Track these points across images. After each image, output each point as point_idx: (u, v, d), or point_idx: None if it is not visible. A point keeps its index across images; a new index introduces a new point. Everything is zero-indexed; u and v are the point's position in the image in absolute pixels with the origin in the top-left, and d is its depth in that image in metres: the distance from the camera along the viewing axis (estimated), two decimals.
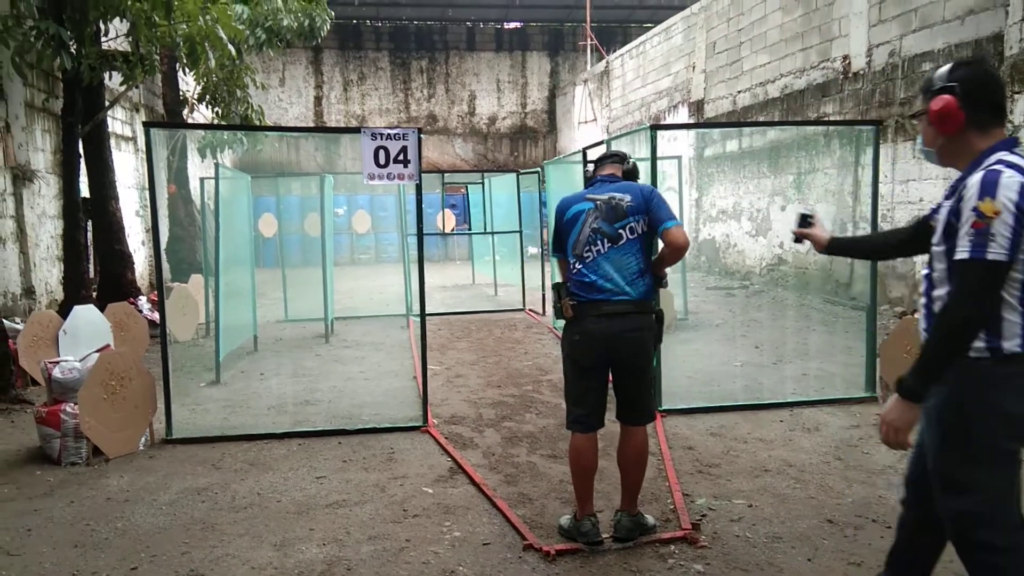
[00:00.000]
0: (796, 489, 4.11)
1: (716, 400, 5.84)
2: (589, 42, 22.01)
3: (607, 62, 20.08)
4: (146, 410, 4.95)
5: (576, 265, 3.40)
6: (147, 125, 4.95)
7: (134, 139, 12.63)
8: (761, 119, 12.82)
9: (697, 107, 15.23)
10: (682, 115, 15.82)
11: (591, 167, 3.73)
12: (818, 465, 4.47)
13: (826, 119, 11.02)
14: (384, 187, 18.93)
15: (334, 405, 6.00)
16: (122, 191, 11.94)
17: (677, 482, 4.16)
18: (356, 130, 5.04)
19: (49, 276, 8.69)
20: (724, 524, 3.67)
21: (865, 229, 10.26)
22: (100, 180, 9.46)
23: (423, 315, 5.51)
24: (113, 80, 9.75)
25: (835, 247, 2.88)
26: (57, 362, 4.81)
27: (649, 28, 18.46)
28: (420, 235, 5.28)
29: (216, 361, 6.91)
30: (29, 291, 8.16)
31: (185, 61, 8.72)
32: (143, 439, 4.96)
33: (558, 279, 3.62)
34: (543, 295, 10.69)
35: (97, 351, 4.99)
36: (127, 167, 12.23)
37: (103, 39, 9.01)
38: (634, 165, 3.66)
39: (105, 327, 7.08)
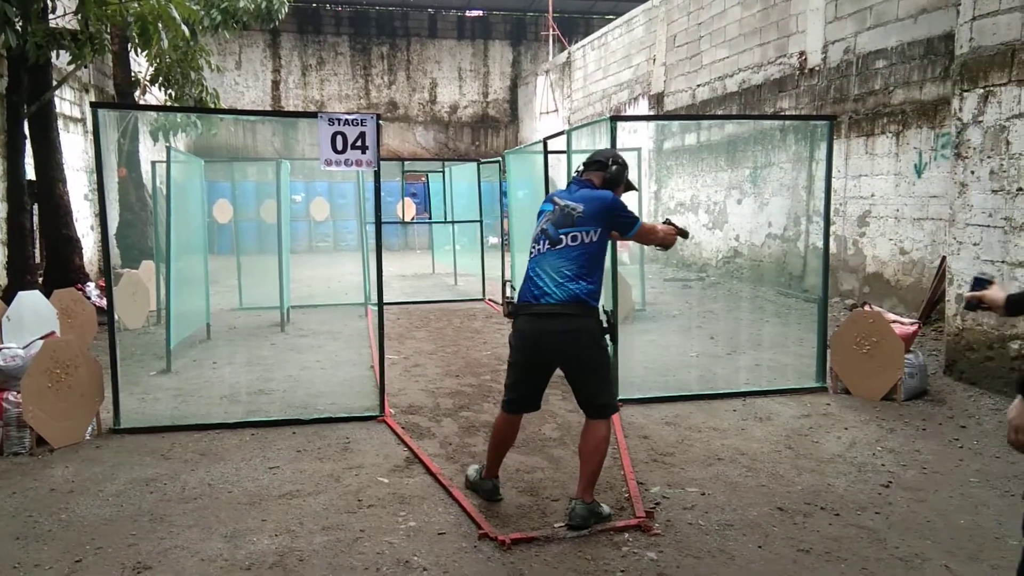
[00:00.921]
0: (748, 477, 4.18)
1: (672, 390, 5.91)
2: (551, 32, 21.99)
3: (569, 53, 20.09)
4: (93, 399, 4.82)
5: (528, 256, 3.71)
6: (95, 106, 4.80)
7: (83, 120, 12.24)
8: (719, 113, 12.97)
9: (657, 100, 15.34)
10: (642, 107, 15.92)
11: (581, 167, 3.86)
12: (769, 454, 4.55)
13: (782, 114, 11.18)
14: (343, 174, 18.70)
15: (289, 394, 5.92)
16: (71, 174, 11.58)
17: (632, 471, 4.20)
18: (313, 115, 4.96)
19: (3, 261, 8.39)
20: (677, 512, 3.72)
21: (818, 223, 10.47)
22: (47, 162, 9.16)
23: (380, 304, 5.46)
24: (61, 59, 9.43)
25: (1013, 305, 2.58)
26: None
27: (611, 20, 18.52)
28: (378, 223, 5.22)
29: (167, 349, 6.75)
30: None
31: (137, 41, 8.49)
32: (90, 429, 4.83)
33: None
34: (503, 284, 10.67)
35: (41, 338, 4.83)
36: (76, 149, 11.86)
37: (51, 17, 8.69)
38: (617, 170, 3.77)
39: (51, 314, 6.88)
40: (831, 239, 7.38)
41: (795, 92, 11.15)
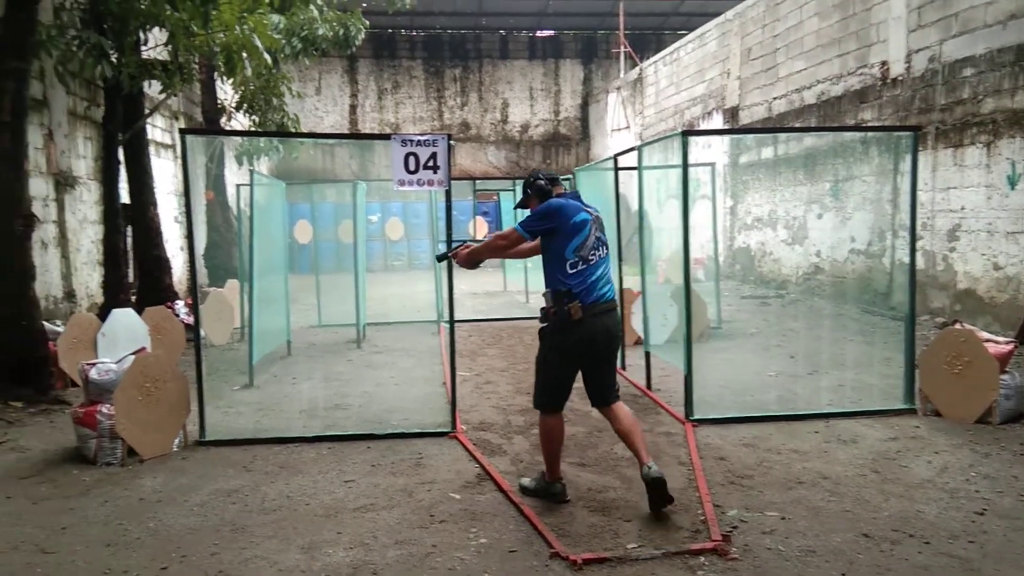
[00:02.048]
0: (831, 502, 4.01)
1: (749, 410, 5.75)
2: (623, 49, 21.95)
3: (640, 69, 20.00)
4: (180, 412, 5.01)
5: (579, 265, 3.90)
6: (183, 132, 5.04)
7: (173, 146, 12.88)
8: (797, 126, 12.65)
9: (732, 114, 15.09)
10: (716, 122, 15.68)
11: (543, 182, 4.19)
12: (854, 478, 4.36)
13: (864, 125, 10.81)
14: (416, 194, 19.01)
15: (364, 410, 6.02)
16: (162, 197, 12.18)
17: (708, 493, 4.09)
18: (387, 137, 5.07)
19: (90, 280, 8.87)
20: (756, 536, 3.60)
21: (904, 238, 10.06)
22: (139, 187, 9.66)
23: (452, 321, 5.51)
24: (152, 88, 9.95)
25: None
26: (94, 364, 4.90)
27: (683, 35, 18.36)
28: (449, 242, 5.27)
29: (249, 365, 6.99)
30: (70, 295, 8.35)
31: (223, 70, 8.90)
32: (177, 441, 5.02)
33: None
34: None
35: (133, 354, 5.07)
36: (166, 174, 12.48)
37: (143, 48, 9.20)
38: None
39: (142, 330, 7.23)
40: (918, 254, 7.09)
41: (877, 103, 10.79)
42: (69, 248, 8.38)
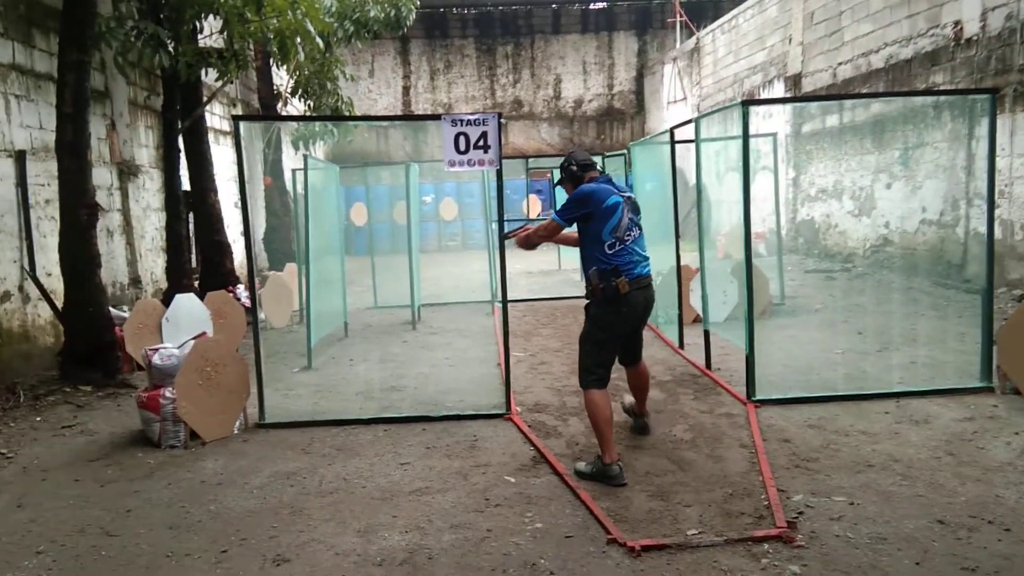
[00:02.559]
0: (903, 487, 3.83)
1: (815, 390, 5.54)
2: (679, 19, 21.38)
3: (697, 38, 19.46)
4: (240, 395, 5.09)
5: (616, 245, 4.14)
6: (236, 119, 5.08)
7: (232, 133, 13.10)
8: (864, 91, 12.10)
9: (794, 81, 14.54)
10: (778, 90, 15.15)
11: (575, 168, 4.41)
12: (927, 461, 4.16)
13: (936, 89, 10.26)
14: (469, 174, 18.99)
15: (419, 391, 6.03)
16: (222, 183, 12.41)
17: (772, 477, 3.95)
18: (436, 117, 5.01)
19: (154, 266, 9.11)
20: (823, 523, 3.45)
21: (980, 206, 9.55)
22: (199, 173, 9.84)
23: (504, 302, 5.45)
24: (209, 76, 10.10)
25: None
26: (156, 349, 5.01)
27: (742, 2, 17.75)
28: (501, 221, 5.21)
29: (308, 348, 7.07)
30: (136, 280, 8.58)
31: (277, 55, 8.97)
32: (237, 423, 5.11)
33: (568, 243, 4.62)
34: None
35: (193, 338, 5.16)
36: (226, 160, 12.70)
37: (199, 37, 9.32)
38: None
39: (204, 315, 7.39)
40: (996, 224, 6.70)
41: (950, 65, 10.22)
42: (134, 235, 8.61)
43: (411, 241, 8.88)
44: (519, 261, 16.53)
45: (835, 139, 13.19)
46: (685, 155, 8.61)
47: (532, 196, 15.99)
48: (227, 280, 9.96)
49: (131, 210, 8.57)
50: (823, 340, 7.27)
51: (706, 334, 6.41)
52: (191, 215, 10.03)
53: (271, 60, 13.52)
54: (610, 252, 4.12)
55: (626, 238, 4.15)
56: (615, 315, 4.16)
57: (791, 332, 7.66)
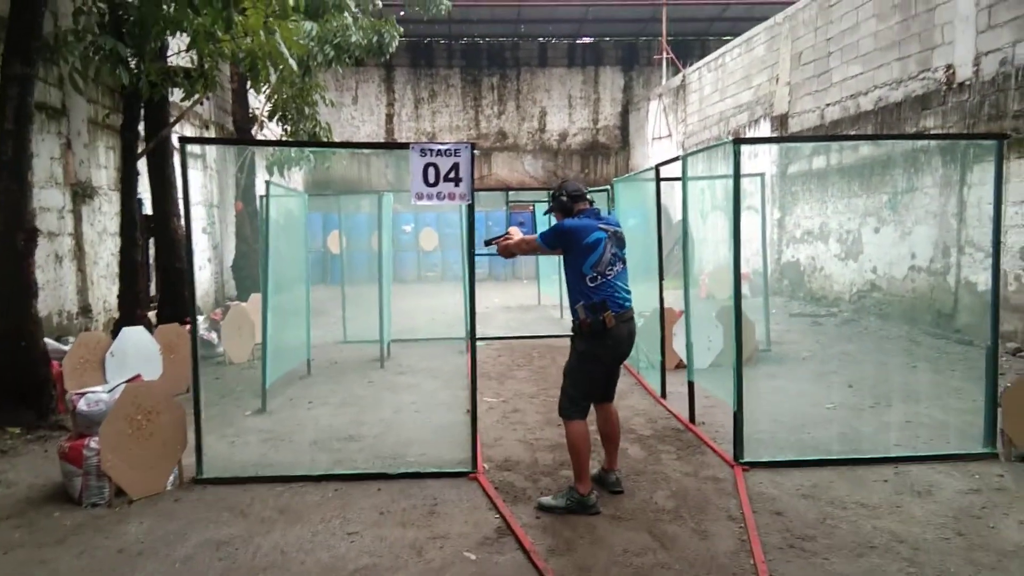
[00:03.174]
0: (911, 575, 3.40)
1: (807, 452, 5.13)
2: (665, 56, 21.32)
3: (684, 75, 19.35)
4: (175, 447, 4.59)
5: (598, 280, 4.16)
6: (183, 140, 4.63)
7: (203, 156, 12.64)
8: (861, 133, 11.89)
9: (780, 121, 14.37)
10: (764, 130, 14.97)
11: (565, 199, 4.36)
12: (935, 543, 3.73)
13: (942, 133, 9.99)
14: (451, 204, 18.57)
15: (379, 441, 5.54)
16: (191, 208, 11.94)
17: (764, 561, 3.50)
18: (404, 146, 4.60)
19: (109, 294, 8.58)
20: None
21: (972, 255, 9.28)
22: (163, 197, 9.37)
23: (473, 348, 5.01)
24: (177, 96, 9.67)
25: None
26: (83, 393, 4.50)
27: (728, 40, 17.67)
28: (471, 256, 4.80)
29: (263, 389, 6.57)
30: (85, 309, 8.05)
31: (248, 77, 8.57)
32: (172, 478, 4.60)
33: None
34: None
35: (125, 382, 4.66)
36: (195, 184, 12.23)
37: (168, 55, 8.91)
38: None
39: (154, 349, 6.89)
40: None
41: (941, 109, 10.03)
42: (86, 261, 8.09)
43: (382, 274, 8.44)
44: (498, 294, 16.12)
45: (822, 181, 12.96)
46: (669, 192, 8.28)
47: (513, 228, 15.60)
48: (187, 310, 9.44)
49: (84, 234, 8.07)
50: (812, 393, 6.88)
51: (690, 385, 5.99)
52: (151, 240, 9.54)
53: (248, 83, 13.14)
54: (591, 286, 4.15)
55: (608, 273, 4.17)
56: (602, 348, 4.20)
57: (779, 383, 7.27)
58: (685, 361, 6.37)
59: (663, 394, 6.76)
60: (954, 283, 9.65)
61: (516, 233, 4.60)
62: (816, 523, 3.98)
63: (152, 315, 9.46)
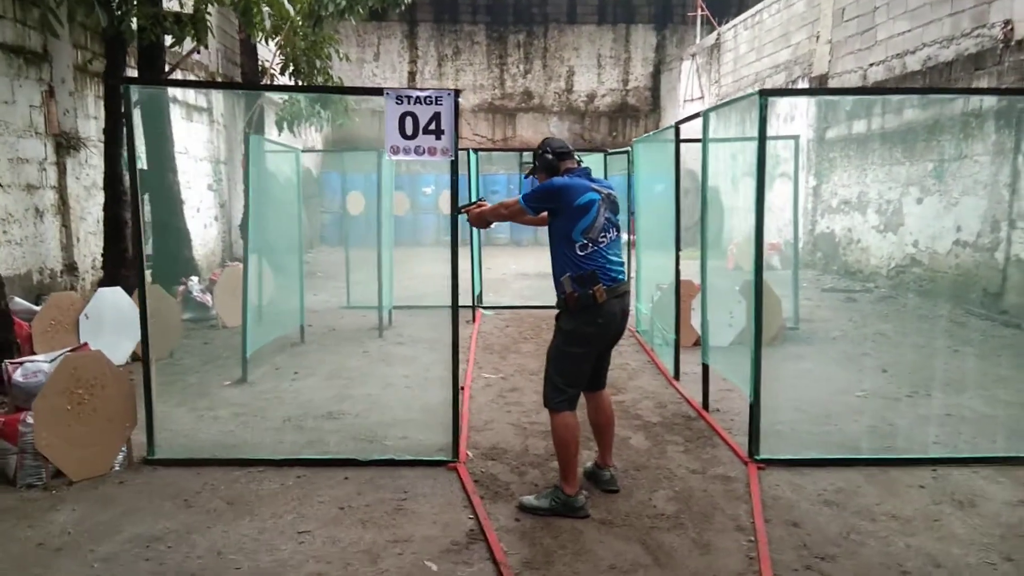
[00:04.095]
0: None
1: (832, 448, 4.55)
2: (700, 13, 20.27)
3: (718, 34, 18.36)
4: (122, 424, 4.14)
5: (588, 248, 3.63)
6: (123, 81, 4.11)
7: (209, 110, 12.16)
8: (894, 98, 11.01)
9: (820, 82, 13.45)
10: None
11: (550, 156, 3.83)
12: (978, 567, 3.17)
13: (986, 88, 9.11)
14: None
15: (359, 421, 5.07)
16: (194, 164, 11.51)
17: None
18: (378, 91, 4.03)
19: (98, 251, 8.17)
20: None
21: None
22: (158, 151, 8.93)
23: (455, 316, 4.52)
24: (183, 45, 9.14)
25: None
26: (20, 363, 4.07)
27: None
28: (454, 218, 4.24)
29: (243, 358, 6.11)
30: (71, 267, 7.66)
31: (241, 20, 8.02)
32: (120, 457, 4.17)
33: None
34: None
35: (71, 350, 4.22)
36: (200, 138, 11.78)
37: None
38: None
39: (132, 312, 6.46)
40: None
41: (996, 70, 9.14)
42: (71, 216, 7.68)
43: (380, 237, 7.92)
44: (516, 261, 15.55)
45: (861, 146, 12.11)
46: (699, 155, 7.61)
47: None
48: (184, 270, 9.06)
49: (69, 188, 7.64)
50: (842, 378, 6.26)
51: (704, 368, 5.41)
52: (146, 196, 9.11)
53: (260, 35, 12.58)
54: (582, 254, 3.64)
55: (600, 240, 3.67)
56: (592, 327, 3.66)
57: (805, 365, 6.66)
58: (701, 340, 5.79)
59: (676, 375, 6.20)
60: (1003, 260, 8.87)
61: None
62: (839, 538, 3.42)
63: (148, 275, 9.09)
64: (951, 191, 9.88)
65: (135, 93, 4.05)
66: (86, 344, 4.40)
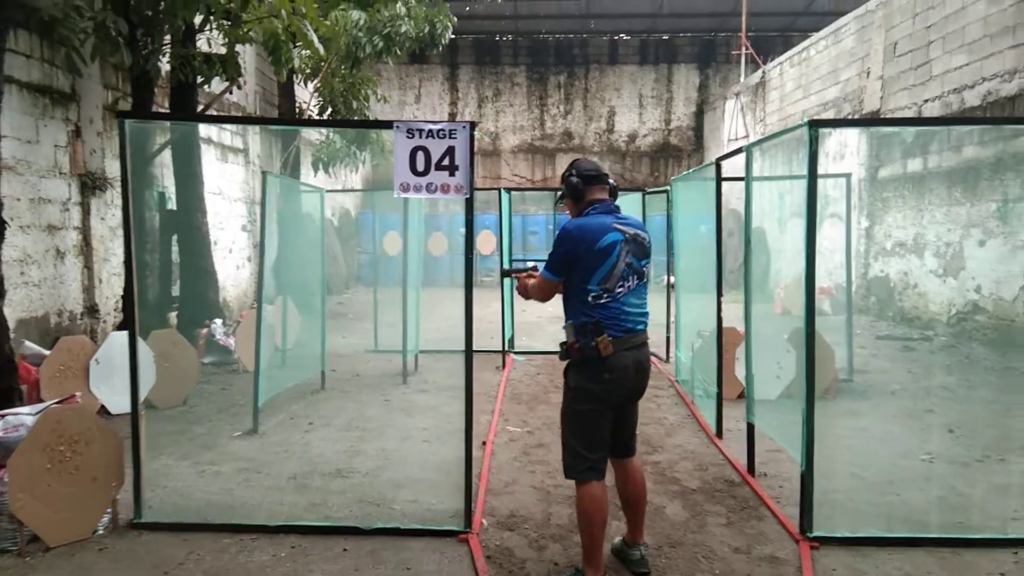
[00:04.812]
0: None
1: (896, 523, 4.00)
2: (744, 51, 19.90)
3: (763, 72, 17.96)
4: (108, 483, 3.82)
5: (602, 298, 3.23)
6: (120, 115, 3.87)
7: (245, 151, 12.14)
8: (952, 135, 10.45)
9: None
10: (853, 130, 13.52)
11: (576, 179, 3.38)
12: None
13: None
14: (521, 204, 17.63)
15: (369, 480, 4.68)
16: (229, 205, 11.45)
17: None
18: (388, 124, 3.72)
19: (121, 293, 8.04)
20: None
21: None
22: (188, 191, 8.82)
23: (468, 367, 4.11)
24: (216, 85, 9.08)
25: None
26: (2, 415, 3.79)
27: (814, 34, 16.23)
28: (469, 258, 3.89)
29: (254, 407, 5.80)
30: (92, 309, 7.51)
31: (270, 59, 7.92)
32: (105, 519, 3.84)
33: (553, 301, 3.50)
34: (667, 337, 8.98)
35: (57, 402, 3.93)
36: (236, 179, 11.73)
37: (198, 39, 8.32)
38: (616, 189, 3.50)
39: (146, 357, 6.20)
40: None
41: None
42: (94, 258, 7.54)
43: (406, 278, 7.62)
44: (550, 303, 15.13)
45: (917, 186, 11.50)
46: (742, 194, 7.18)
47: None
48: (208, 312, 8.87)
49: (93, 228, 7.52)
50: (904, 438, 5.67)
51: (749, 428, 4.90)
52: (174, 238, 9.00)
53: (295, 75, 12.60)
54: (593, 304, 3.23)
55: (617, 290, 3.24)
56: (597, 383, 3.23)
57: (862, 422, 6.07)
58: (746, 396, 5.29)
59: (719, 432, 5.68)
60: None
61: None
62: None
63: (172, 316, 8.93)
64: (1017, 233, 9.22)
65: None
66: (73, 396, 4.11)
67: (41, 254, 6.77)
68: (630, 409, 3.45)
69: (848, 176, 8.13)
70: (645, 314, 3.38)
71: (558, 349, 3.40)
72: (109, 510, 3.85)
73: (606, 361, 3.19)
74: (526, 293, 3.60)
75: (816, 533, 3.77)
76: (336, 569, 3.45)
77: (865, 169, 12.92)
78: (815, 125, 3.76)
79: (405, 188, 3.68)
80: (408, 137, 3.68)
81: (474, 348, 4.07)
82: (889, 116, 12.31)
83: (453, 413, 6.41)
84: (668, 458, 5.16)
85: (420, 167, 3.68)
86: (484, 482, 4.58)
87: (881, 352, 9.33)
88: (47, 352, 6.01)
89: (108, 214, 7.82)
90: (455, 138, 3.67)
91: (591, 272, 3.21)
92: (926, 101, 11.34)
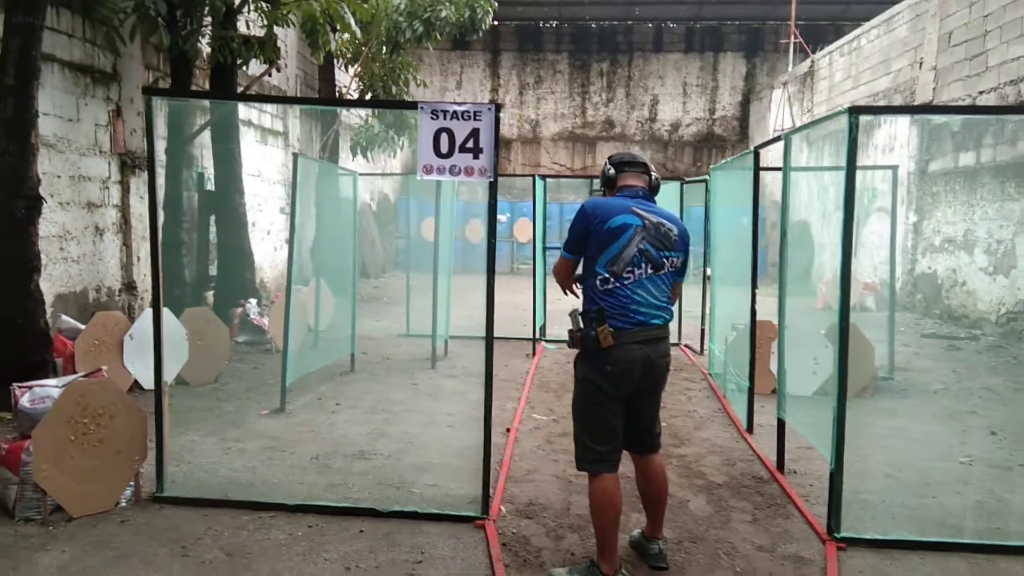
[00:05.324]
0: None
1: (929, 527, 3.85)
2: (792, 40, 19.41)
3: (812, 61, 17.50)
4: (131, 457, 3.87)
5: (610, 283, 3.12)
6: (147, 91, 3.89)
7: (285, 134, 12.24)
8: (1007, 128, 10.03)
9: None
10: (902, 122, 13.10)
11: (610, 168, 3.35)
12: None
13: None
14: (557, 190, 17.53)
15: (391, 462, 4.67)
16: (268, 187, 11.57)
17: None
18: (412, 105, 3.67)
19: None
20: None
21: None
22: (226, 173, 8.92)
23: (489, 349, 4.06)
24: (255, 67, 9.12)
25: None
26: (29, 387, 3.85)
27: (866, 22, 15.75)
28: (491, 244, 3.82)
29: (282, 386, 5.85)
30: (130, 286, 7.65)
31: (307, 41, 7.95)
32: (127, 492, 3.89)
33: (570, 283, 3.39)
34: (702, 329, 8.82)
35: (84, 376, 3.99)
36: (275, 162, 11.84)
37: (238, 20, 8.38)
38: (658, 182, 3.38)
39: (179, 334, 6.30)
40: None
41: None
42: (132, 235, 7.67)
43: (437, 263, 7.60)
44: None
45: (969, 180, 11.10)
46: (773, 181, 6.98)
47: None
48: (244, 292, 8.97)
49: (131, 207, 7.65)
50: (943, 439, 5.47)
51: (780, 424, 4.77)
52: (212, 218, 9.11)
53: (335, 59, 12.66)
54: (601, 288, 3.13)
55: (625, 275, 3.11)
56: (599, 375, 3.12)
57: (899, 422, 5.88)
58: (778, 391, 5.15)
59: (749, 427, 5.54)
60: None
61: None
62: None
63: (209, 295, 9.06)
64: None
65: (161, 106, 3.83)
66: (100, 370, 4.17)
67: (80, 231, 6.91)
68: (644, 404, 3.29)
69: (895, 168, 7.87)
70: (663, 308, 3.21)
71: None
72: (132, 483, 3.90)
73: (609, 352, 3.08)
74: (562, 285, 3.48)
75: (844, 534, 3.64)
76: (350, 551, 3.44)
77: (915, 162, 12.52)
78: (855, 112, 3.62)
79: (428, 170, 3.63)
80: (432, 118, 3.62)
81: (506, 336, 4.01)
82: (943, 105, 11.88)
83: (479, 399, 6.30)
84: (695, 451, 5.05)
85: (444, 149, 3.62)
86: (505, 469, 4.54)
87: (925, 350, 9.04)
88: (83, 327, 6.13)
89: (147, 192, 7.95)
90: (480, 120, 3.60)
91: (600, 252, 3.12)
92: (981, 93, 10.91)
